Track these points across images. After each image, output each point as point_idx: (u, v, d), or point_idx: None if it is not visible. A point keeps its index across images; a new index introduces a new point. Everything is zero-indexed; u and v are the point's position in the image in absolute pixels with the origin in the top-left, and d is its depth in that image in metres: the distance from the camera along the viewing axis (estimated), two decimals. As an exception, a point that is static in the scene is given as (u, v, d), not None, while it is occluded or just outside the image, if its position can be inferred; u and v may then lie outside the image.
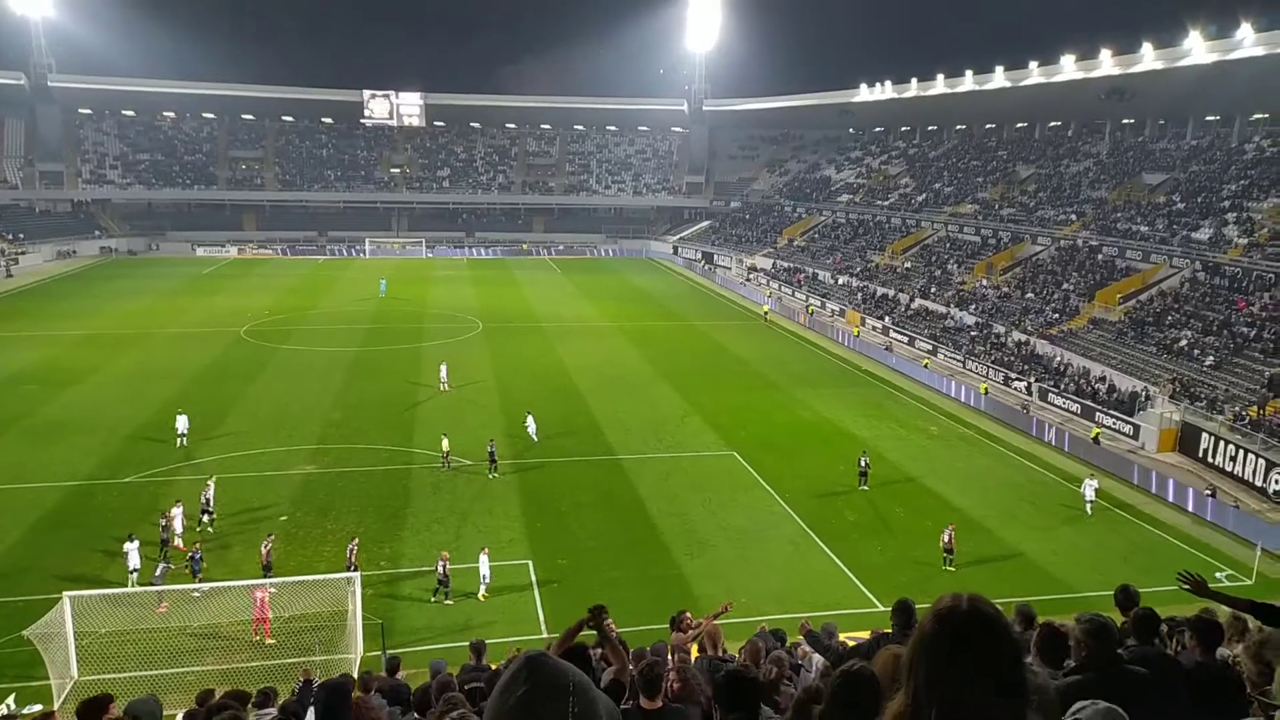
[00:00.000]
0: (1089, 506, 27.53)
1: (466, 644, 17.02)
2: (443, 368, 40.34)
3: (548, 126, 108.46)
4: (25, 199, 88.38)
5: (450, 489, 28.30)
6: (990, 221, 64.06)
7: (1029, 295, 50.90)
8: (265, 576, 20.56)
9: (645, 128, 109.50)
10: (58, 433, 31.93)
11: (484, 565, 21.63)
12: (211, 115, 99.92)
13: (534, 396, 38.55)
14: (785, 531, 25.69)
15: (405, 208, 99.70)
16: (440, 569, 21.17)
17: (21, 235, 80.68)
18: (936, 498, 28.58)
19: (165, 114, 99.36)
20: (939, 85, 73.23)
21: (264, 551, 21.50)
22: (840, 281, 66.31)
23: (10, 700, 15.33)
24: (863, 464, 29.11)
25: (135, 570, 21.04)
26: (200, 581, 20.65)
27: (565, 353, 47.44)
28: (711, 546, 24.59)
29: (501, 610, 21.04)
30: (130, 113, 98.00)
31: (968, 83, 70.12)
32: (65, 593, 17.89)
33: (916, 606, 6.67)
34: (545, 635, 19.79)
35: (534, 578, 22.58)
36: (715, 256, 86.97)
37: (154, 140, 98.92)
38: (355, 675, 14.01)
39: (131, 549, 21.16)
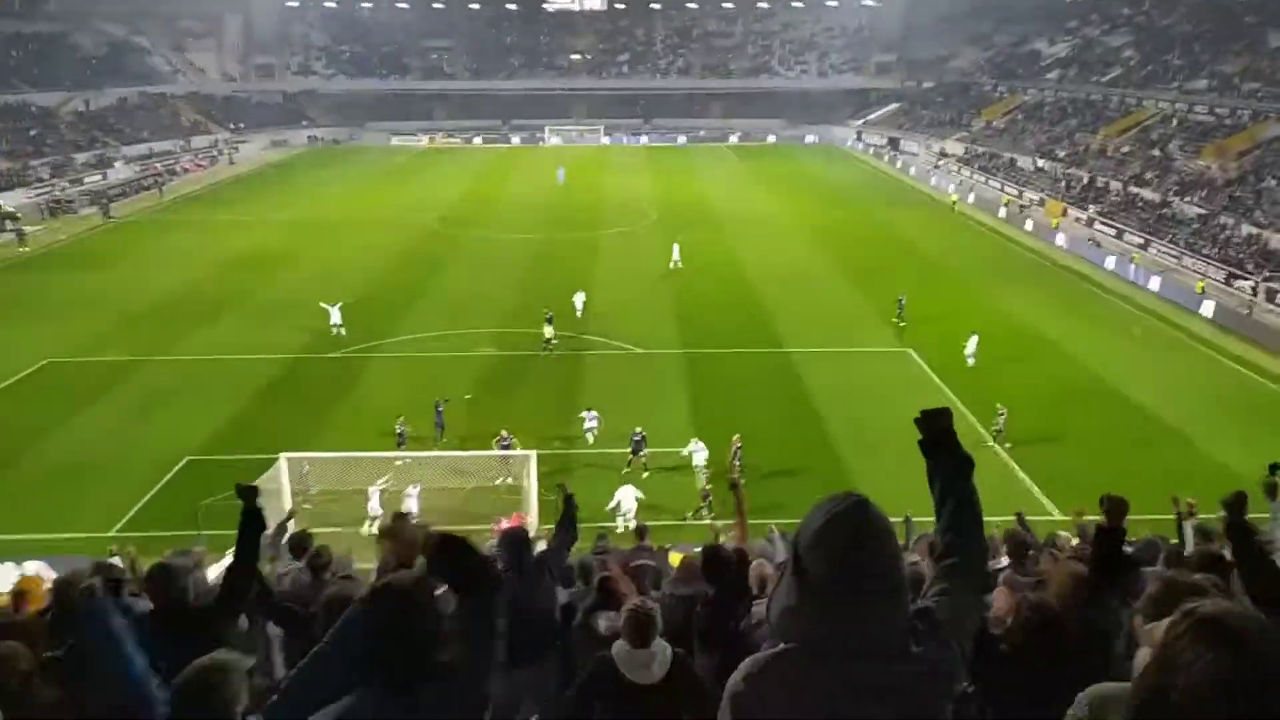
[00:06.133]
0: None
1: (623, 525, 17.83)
2: (675, 247, 41.18)
3: (730, 4, 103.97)
4: (243, 90, 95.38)
5: (620, 374, 29.04)
6: (1228, 98, 56.22)
7: (1269, 183, 44.73)
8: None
9: (834, 3, 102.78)
10: (274, 311, 35.08)
11: (628, 498, 19.85)
12: (405, 4, 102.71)
13: (706, 288, 38.54)
14: (960, 436, 24.59)
15: (584, 94, 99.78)
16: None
17: (241, 124, 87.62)
18: (1131, 405, 26.45)
19: (363, 4, 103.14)
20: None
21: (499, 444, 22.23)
22: (1041, 167, 60.86)
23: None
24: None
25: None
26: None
27: (739, 244, 46.72)
28: (880, 447, 24.01)
29: (668, 495, 21.64)
30: (332, 4, 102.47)
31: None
32: (281, 454, 20.04)
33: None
34: (708, 522, 20.27)
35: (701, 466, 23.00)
36: (902, 142, 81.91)
37: (354, 32, 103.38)
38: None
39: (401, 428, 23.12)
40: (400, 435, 23.04)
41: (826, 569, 2.13)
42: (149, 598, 5.23)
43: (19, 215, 51.16)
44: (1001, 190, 59.66)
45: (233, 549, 5.10)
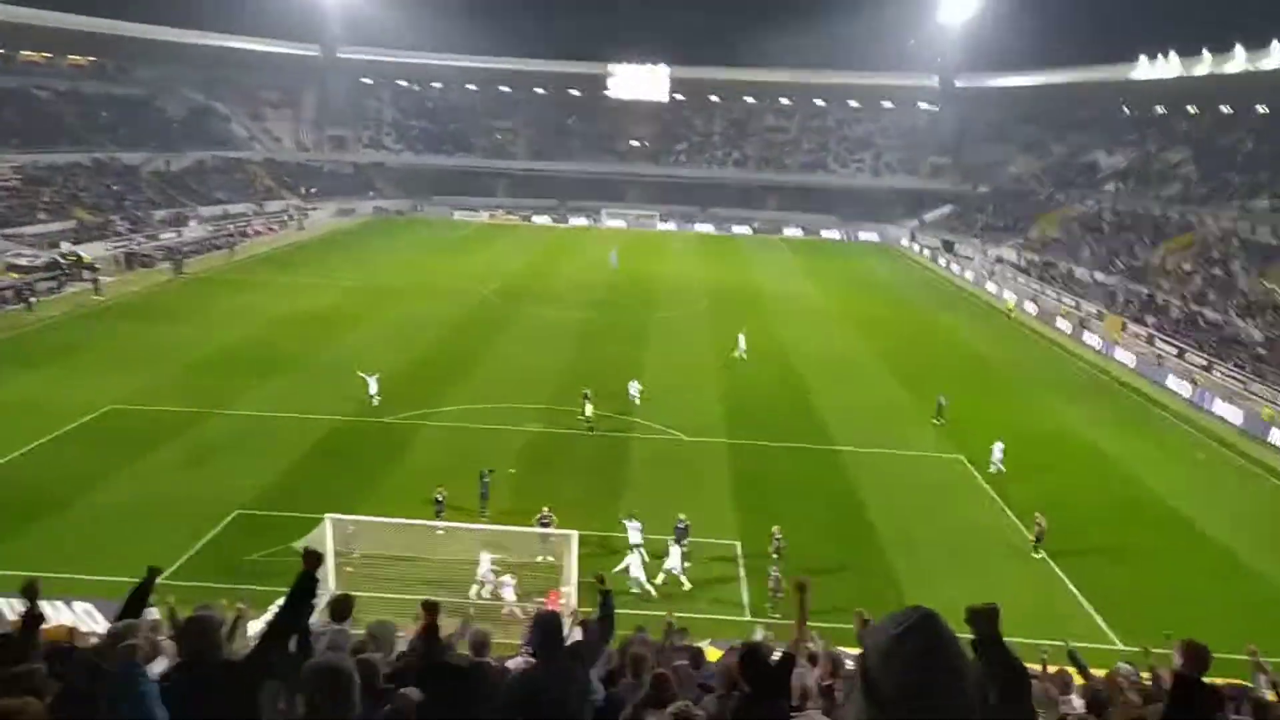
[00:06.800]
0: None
1: (659, 612, 17.47)
2: (740, 338, 41.46)
3: (787, 101, 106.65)
4: (316, 160, 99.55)
5: (665, 462, 28.94)
6: (1292, 220, 55.67)
7: (1336, 309, 43.87)
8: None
9: (890, 104, 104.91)
10: (330, 373, 35.75)
11: (635, 564, 21.09)
12: (473, 87, 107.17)
13: (754, 379, 38.59)
14: (1012, 548, 24.01)
15: (641, 180, 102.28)
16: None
17: (313, 191, 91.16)
18: (1196, 531, 25.57)
19: (434, 84, 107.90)
20: (1238, 58, 64.01)
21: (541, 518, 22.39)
22: (1100, 280, 60.48)
23: (279, 603, 17.49)
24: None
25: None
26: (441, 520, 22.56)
27: (789, 336, 46.84)
28: (926, 549, 23.49)
29: (704, 588, 21.28)
30: (404, 83, 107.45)
31: (1275, 57, 60.87)
32: (326, 515, 20.17)
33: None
34: (749, 618, 19.87)
35: (740, 558, 22.67)
36: (956, 245, 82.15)
37: (422, 109, 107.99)
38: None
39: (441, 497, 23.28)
40: (439, 503, 23.09)
41: (896, 686, 2.09)
42: (181, 649, 5.19)
43: (97, 266, 53.36)
44: (1059, 300, 59.25)
45: (276, 604, 5.11)
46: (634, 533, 21.71)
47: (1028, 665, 9.36)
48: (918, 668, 2.09)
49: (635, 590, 20.42)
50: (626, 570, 20.90)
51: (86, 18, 73.89)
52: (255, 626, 14.84)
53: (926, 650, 2.10)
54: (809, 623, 7.27)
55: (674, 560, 21.18)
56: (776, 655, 6.41)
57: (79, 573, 19.08)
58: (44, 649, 6.05)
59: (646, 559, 21.31)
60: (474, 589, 20.06)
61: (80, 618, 14.35)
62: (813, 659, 8.58)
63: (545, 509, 22.49)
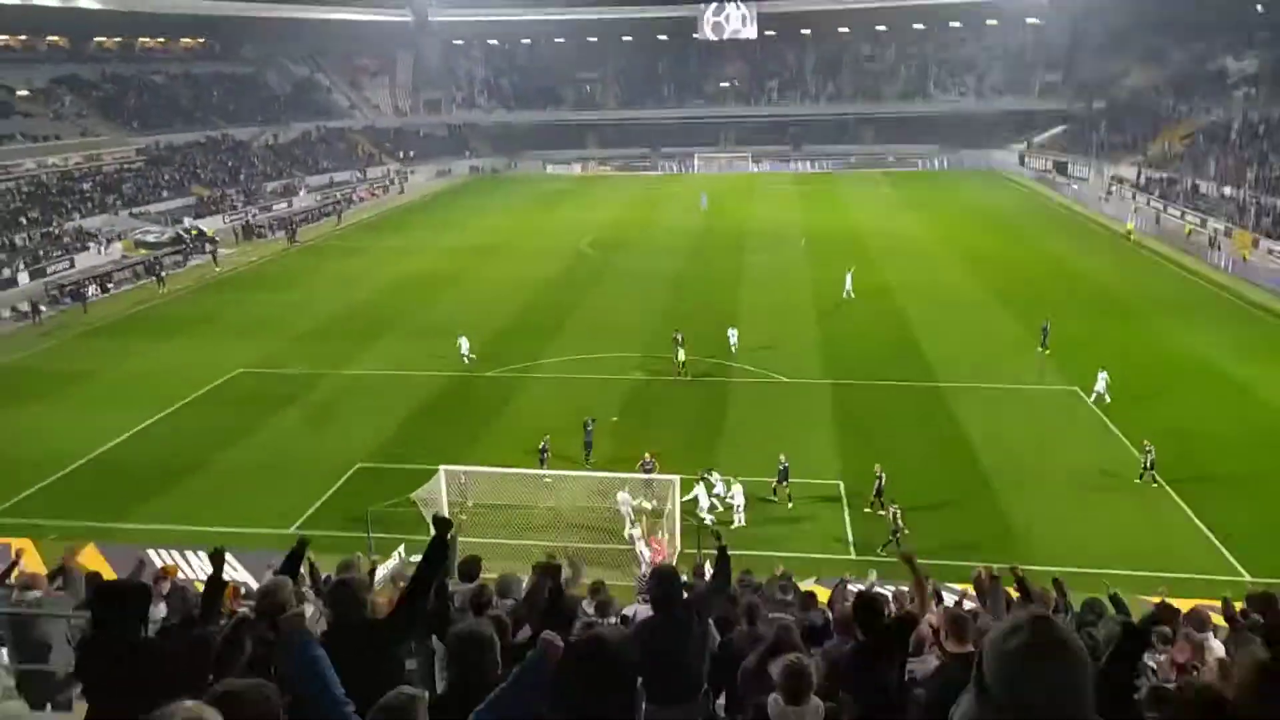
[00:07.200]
0: None
1: (766, 554, 17.71)
2: (848, 276, 40.83)
3: (883, 28, 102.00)
4: (413, 124, 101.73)
5: (766, 404, 28.95)
6: None
7: None
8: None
9: (994, 21, 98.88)
10: (435, 331, 36.92)
11: (734, 492, 21.58)
12: (561, 40, 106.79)
13: (856, 317, 37.98)
14: (1127, 481, 23.06)
15: (733, 122, 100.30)
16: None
17: (411, 154, 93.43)
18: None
19: (523, 41, 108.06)
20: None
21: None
22: (1227, 194, 56.32)
23: (400, 549, 18.62)
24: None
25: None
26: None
27: (889, 272, 45.60)
28: (1038, 485, 22.87)
29: (807, 527, 21.39)
30: (493, 42, 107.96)
31: None
32: (441, 466, 21.15)
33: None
34: (854, 556, 19.93)
35: (844, 497, 22.65)
36: (1069, 166, 77.73)
37: (513, 66, 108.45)
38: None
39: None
40: (544, 453, 23.80)
41: (1008, 688, 2.10)
42: (329, 612, 5.61)
43: (217, 239, 56.43)
44: (1182, 219, 55.58)
45: (399, 551, 5.50)
46: (718, 485, 22.10)
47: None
48: (1033, 672, 2.08)
49: (707, 519, 20.97)
50: (695, 500, 21.49)
51: (194, 0, 77.29)
52: (380, 573, 15.90)
53: (1042, 654, 2.09)
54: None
55: (738, 498, 21.47)
56: (893, 607, 6.38)
57: (217, 525, 20.71)
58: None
59: (712, 499, 21.81)
60: (628, 529, 20.75)
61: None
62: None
63: (647, 455, 22.91)
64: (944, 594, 12.77)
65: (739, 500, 21.50)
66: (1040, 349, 32.60)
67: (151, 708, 4.85)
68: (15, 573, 10.46)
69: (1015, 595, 9.04)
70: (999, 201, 69.35)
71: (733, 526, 20.62)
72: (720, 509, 21.69)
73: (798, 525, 21.47)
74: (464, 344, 33.27)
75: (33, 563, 14.74)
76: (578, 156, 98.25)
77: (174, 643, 5.16)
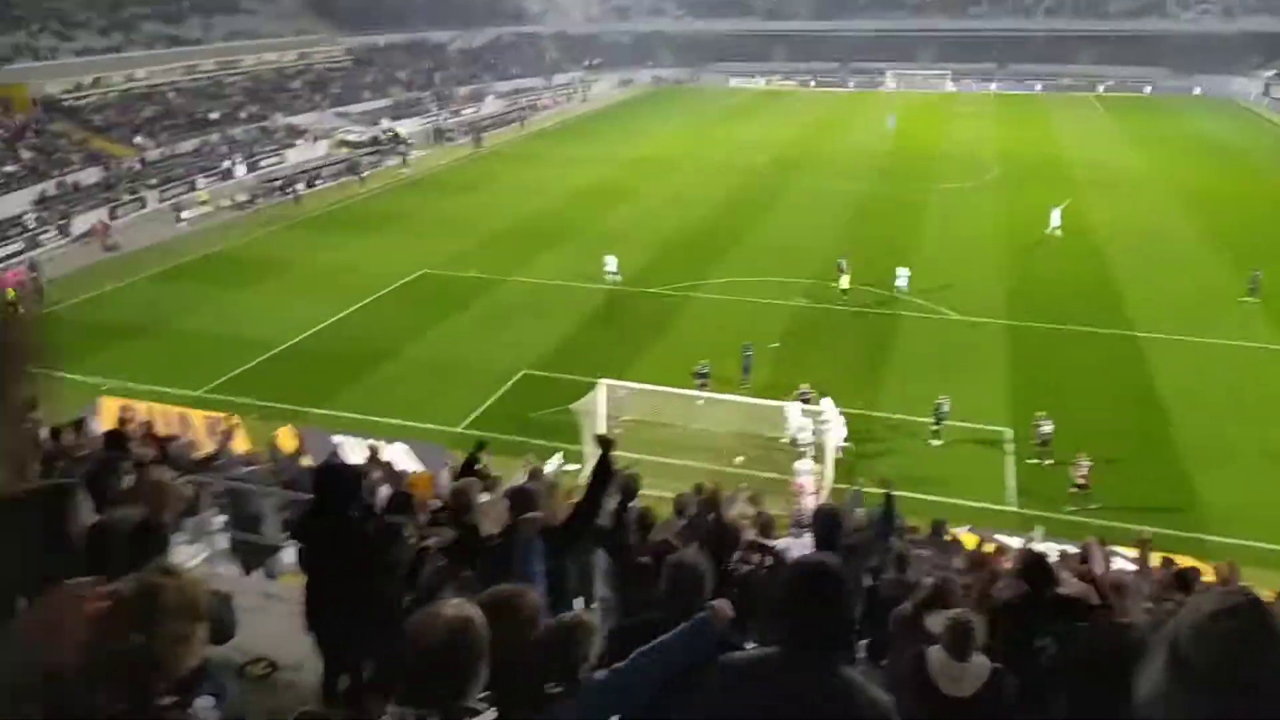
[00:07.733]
0: None
1: (915, 495, 17.15)
2: (1056, 212, 37.79)
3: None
4: (600, 31, 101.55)
5: (934, 341, 27.74)
6: None
7: None
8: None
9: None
10: (610, 242, 37.17)
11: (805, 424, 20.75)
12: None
13: (1049, 256, 35.39)
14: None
15: (934, 36, 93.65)
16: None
17: (598, 62, 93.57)
18: None
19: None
20: None
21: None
22: None
23: (558, 457, 19.39)
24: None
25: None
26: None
27: (1095, 208, 41.85)
28: (1239, 459, 20.84)
29: (965, 473, 20.56)
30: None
31: None
32: (601, 379, 21.71)
33: None
34: (1014, 508, 19.11)
35: (1009, 444, 21.57)
36: (1328, 97, 67.81)
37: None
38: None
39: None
40: (704, 375, 23.84)
41: (1206, 666, 1.99)
42: (510, 514, 5.86)
43: (411, 141, 59.23)
44: None
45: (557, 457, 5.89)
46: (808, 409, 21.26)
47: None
48: (1235, 653, 1.97)
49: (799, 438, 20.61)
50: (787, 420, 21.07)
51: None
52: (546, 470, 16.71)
53: (1246, 636, 1.98)
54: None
55: (837, 429, 20.62)
56: (1065, 574, 6.17)
57: (393, 417, 22.35)
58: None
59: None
60: (801, 462, 19.83)
61: (398, 457, 16.86)
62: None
63: (805, 385, 22.56)
64: (1114, 559, 12.07)
65: (836, 430, 20.49)
66: (1248, 298, 29.57)
67: (363, 584, 5.47)
68: (230, 445, 11.71)
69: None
70: (1232, 135, 61.65)
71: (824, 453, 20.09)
72: (812, 436, 20.74)
73: (954, 469, 20.68)
74: (611, 262, 33.22)
75: (240, 438, 16.59)
76: (763, 70, 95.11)
77: (381, 528, 5.64)
